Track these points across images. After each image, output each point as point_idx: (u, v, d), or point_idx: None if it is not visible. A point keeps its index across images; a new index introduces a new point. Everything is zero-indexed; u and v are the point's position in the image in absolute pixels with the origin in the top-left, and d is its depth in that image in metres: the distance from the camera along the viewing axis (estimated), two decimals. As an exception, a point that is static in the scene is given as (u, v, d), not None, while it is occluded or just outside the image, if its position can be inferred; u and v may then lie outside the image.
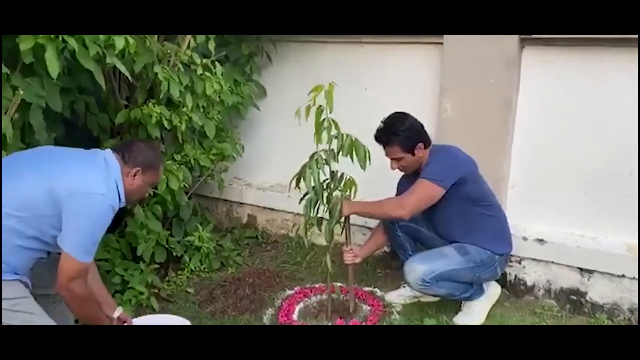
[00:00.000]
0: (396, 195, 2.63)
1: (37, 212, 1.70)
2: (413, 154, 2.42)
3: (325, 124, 2.25)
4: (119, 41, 2.02)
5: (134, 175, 1.90)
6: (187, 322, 2.33)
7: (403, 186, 2.59)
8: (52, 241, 1.76)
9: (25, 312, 1.72)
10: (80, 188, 1.73)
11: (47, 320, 1.78)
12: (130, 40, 2.09)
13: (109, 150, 1.91)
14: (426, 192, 2.37)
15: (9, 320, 1.69)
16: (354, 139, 2.30)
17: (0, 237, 1.67)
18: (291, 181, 2.36)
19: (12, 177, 1.71)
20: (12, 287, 1.71)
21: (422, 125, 2.46)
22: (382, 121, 2.45)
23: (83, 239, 1.74)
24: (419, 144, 2.41)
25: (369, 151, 2.33)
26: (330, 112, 2.23)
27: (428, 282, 2.36)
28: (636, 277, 2.49)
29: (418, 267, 2.38)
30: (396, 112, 2.46)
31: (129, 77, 2.27)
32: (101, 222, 1.77)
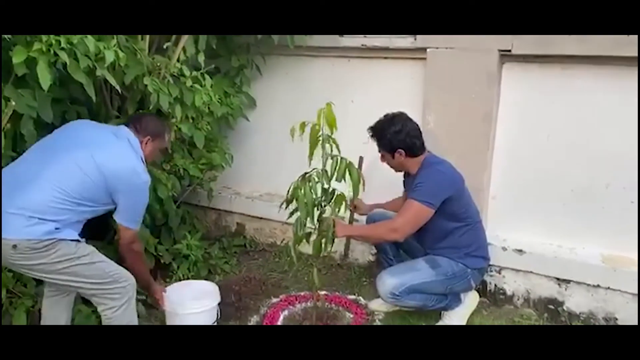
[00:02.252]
0: (404, 192, 2.76)
1: (97, 200, 2.09)
2: (393, 157, 2.54)
3: (320, 146, 2.28)
4: (109, 54, 2.09)
5: (146, 143, 2.26)
6: (215, 287, 2.66)
7: (405, 186, 2.76)
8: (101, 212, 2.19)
9: (100, 261, 2.11)
10: (129, 177, 2.11)
11: (115, 265, 2.16)
12: (120, 53, 2.16)
13: (124, 127, 2.24)
14: (417, 214, 2.44)
15: (92, 271, 2.06)
16: (348, 161, 2.34)
17: None
18: (282, 204, 2.41)
19: (67, 163, 2.02)
20: (85, 246, 2.09)
21: (411, 135, 2.50)
22: (384, 115, 2.56)
23: (133, 214, 2.20)
24: (399, 150, 2.51)
25: (363, 178, 2.40)
26: (332, 133, 2.26)
27: (398, 295, 2.44)
28: (610, 287, 2.56)
29: (388, 281, 2.46)
30: (396, 114, 2.55)
31: (119, 89, 2.34)
32: (145, 198, 2.21)
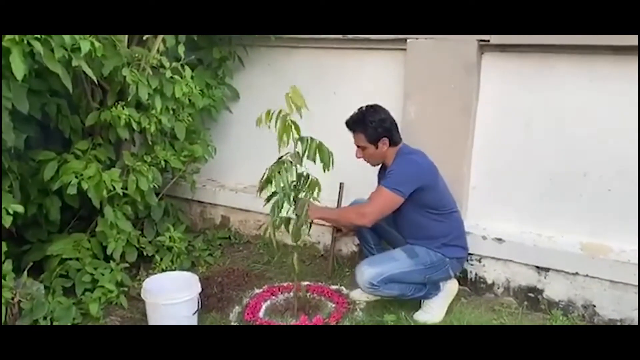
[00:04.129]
0: (378, 182, 2.72)
1: None
2: (376, 147, 2.53)
3: (288, 131, 2.30)
4: (85, 44, 2.09)
5: None
6: (195, 277, 2.63)
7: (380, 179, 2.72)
8: None
9: None
10: None
11: None
12: (96, 43, 2.16)
13: None
14: (385, 200, 2.47)
15: None
16: (318, 142, 2.37)
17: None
18: (259, 186, 2.42)
19: None
20: None
21: (394, 124, 2.56)
22: (358, 109, 2.56)
23: None
24: (384, 139, 2.52)
25: (332, 154, 2.41)
26: (300, 117, 2.27)
27: (376, 285, 2.45)
28: (589, 274, 2.59)
29: (366, 271, 2.47)
30: (374, 104, 2.57)
31: (95, 80, 2.33)
32: None
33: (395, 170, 2.48)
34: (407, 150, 2.57)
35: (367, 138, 2.52)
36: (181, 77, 2.78)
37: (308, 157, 2.35)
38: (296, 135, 2.33)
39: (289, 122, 2.27)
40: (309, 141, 2.34)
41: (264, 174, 2.38)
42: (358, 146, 2.58)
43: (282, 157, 2.37)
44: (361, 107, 2.57)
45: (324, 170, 2.39)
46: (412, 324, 2.59)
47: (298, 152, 2.36)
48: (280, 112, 2.25)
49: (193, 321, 2.52)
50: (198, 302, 2.53)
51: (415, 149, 2.60)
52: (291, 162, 2.36)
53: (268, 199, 2.47)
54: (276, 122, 2.25)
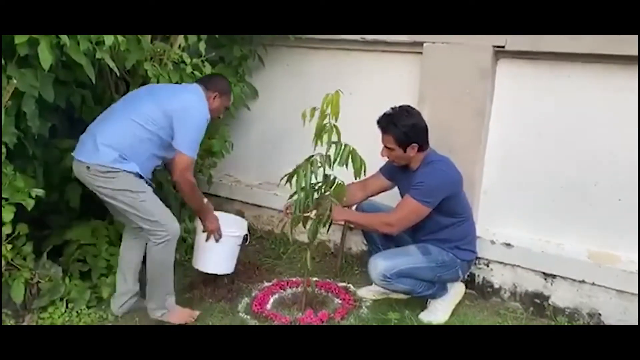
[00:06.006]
0: (398, 180, 2.72)
1: (159, 125, 2.38)
2: (405, 151, 2.50)
3: (325, 132, 2.36)
4: (108, 38, 2.18)
5: (214, 98, 2.57)
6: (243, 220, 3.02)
7: (389, 171, 2.73)
8: (166, 152, 2.47)
9: (152, 200, 2.42)
10: (184, 105, 2.42)
11: (164, 210, 2.46)
12: (120, 38, 2.25)
13: (195, 84, 2.59)
14: (412, 211, 2.48)
15: (143, 207, 2.37)
16: (351, 148, 2.40)
17: None
18: (282, 178, 2.48)
19: (137, 104, 2.44)
20: (145, 185, 2.42)
21: (425, 129, 2.52)
22: (391, 108, 2.52)
23: (190, 141, 2.44)
24: (413, 144, 2.48)
25: (364, 163, 2.44)
26: (336, 120, 2.34)
27: (389, 278, 2.48)
28: (595, 282, 2.59)
29: (380, 263, 2.50)
30: (408, 106, 2.55)
31: (117, 72, 2.43)
32: (201, 128, 2.47)
33: (425, 182, 2.46)
34: (434, 158, 2.55)
35: (397, 142, 2.48)
36: (201, 73, 2.86)
37: (339, 163, 2.37)
38: (334, 138, 2.37)
39: (331, 124, 2.34)
40: (342, 146, 2.37)
41: (294, 169, 2.44)
42: (385, 146, 2.55)
43: (312, 156, 2.41)
44: (394, 107, 2.51)
45: (355, 177, 2.45)
46: (416, 323, 2.62)
47: (329, 155, 2.40)
48: (322, 111, 2.30)
49: (235, 252, 2.85)
50: (244, 240, 2.88)
51: (441, 155, 2.59)
52: (319, 163, 2.39)
53: (291, 197, 2.51)
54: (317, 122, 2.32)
